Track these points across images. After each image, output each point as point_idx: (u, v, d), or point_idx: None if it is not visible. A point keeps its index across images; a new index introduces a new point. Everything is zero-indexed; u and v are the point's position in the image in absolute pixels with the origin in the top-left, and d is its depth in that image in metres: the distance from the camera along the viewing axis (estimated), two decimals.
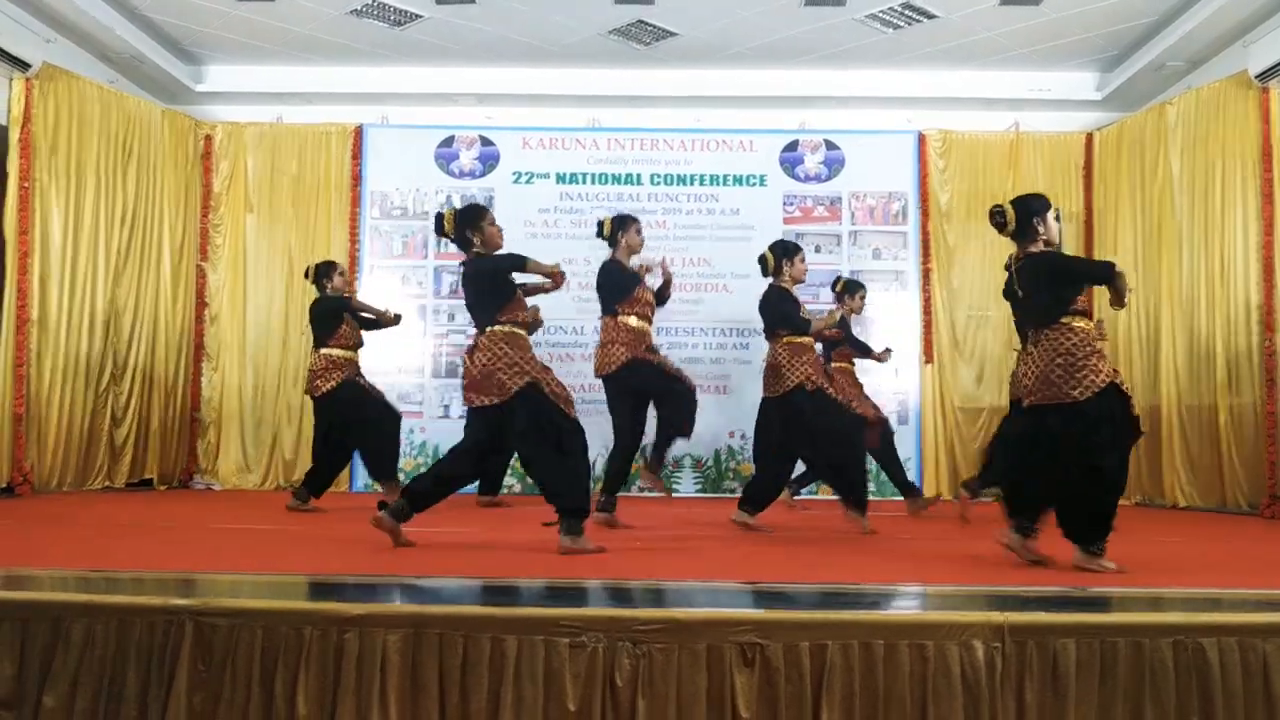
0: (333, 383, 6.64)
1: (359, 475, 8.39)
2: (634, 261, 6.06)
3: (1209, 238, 7.59)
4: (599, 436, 5.98)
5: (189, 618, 2.81)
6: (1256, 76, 7.13)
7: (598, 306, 6.06)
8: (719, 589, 3.63)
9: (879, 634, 2.78)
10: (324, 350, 6.70)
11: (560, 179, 9.08)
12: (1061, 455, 4.11)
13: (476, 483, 7.08)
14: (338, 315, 6.75)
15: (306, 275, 7.09)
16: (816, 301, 8.51)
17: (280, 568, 3.93)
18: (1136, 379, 8.17)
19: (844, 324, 7.02)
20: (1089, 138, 8.97)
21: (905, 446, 8.60)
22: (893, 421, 8.40)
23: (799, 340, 5.74)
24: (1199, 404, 7.64)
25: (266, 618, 2.82)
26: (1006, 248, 8.89)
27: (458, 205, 8.90)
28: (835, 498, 6.21)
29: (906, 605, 3.42)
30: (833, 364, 7.01)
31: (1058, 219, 4.45)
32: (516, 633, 2.77)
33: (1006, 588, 3.62)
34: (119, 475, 8.24)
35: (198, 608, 2.83)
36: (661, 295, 6.18)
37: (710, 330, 8.87)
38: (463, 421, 7.54)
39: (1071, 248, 8.71)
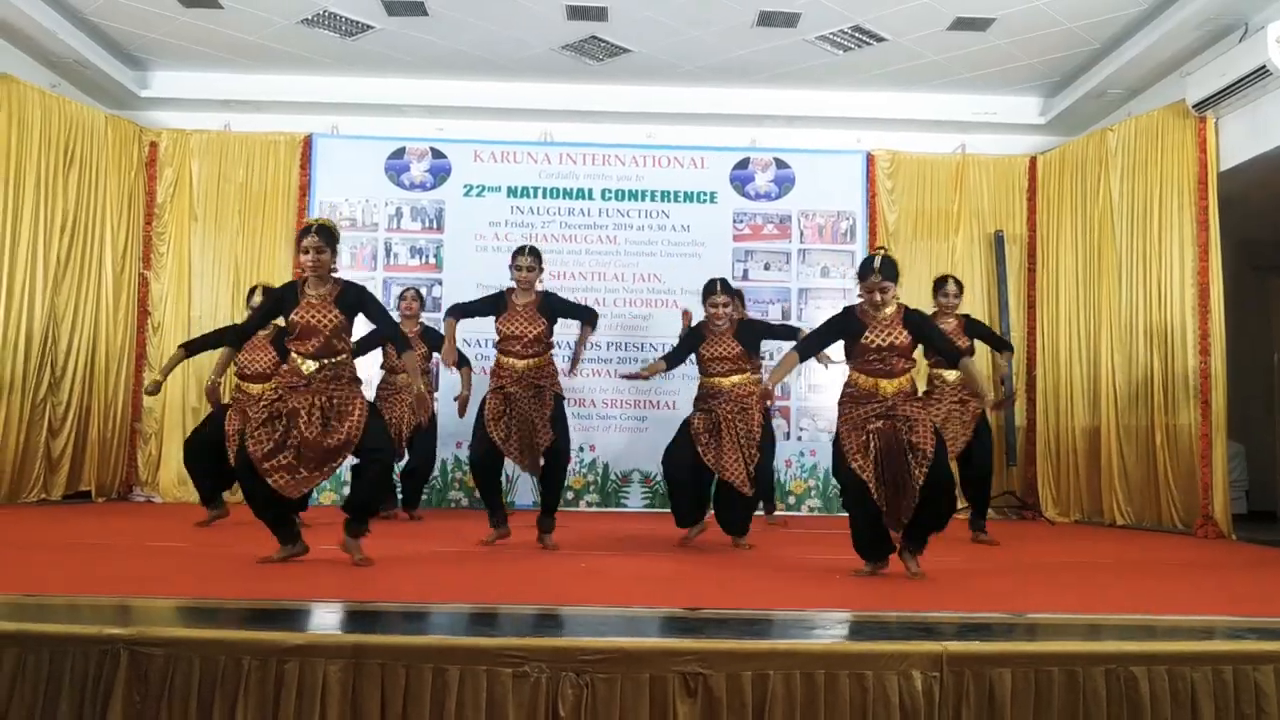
0: None
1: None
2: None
3: (1147, 262, 7.75)
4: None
5: (124, 647, 2.76)
6: (1194, 106, 7.29)
7: None
8: (662, 615, 3.64)
9: (820, 664, 2.81)
10: None
11: (511, 192, 9.06)
12: None
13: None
14: None
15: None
16: (765, 318, 8.62)
17: (220, 592, 3.87)
18: (1077, 400, 8.33)
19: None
20: (1032, 161, 9.12)
21: None
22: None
23: None
24: (1136, 425, 7.80)
25: (203, 647, 2.78)
26: (951, 268, 8.93)
27: (408, 217, 8.96)
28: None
29: (846, 633, 3.45)
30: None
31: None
32: (459, 663, 2.76)
33: (944, 613, 3.67)
34: (55, 488, 8.05)
35: (133, 637, 2.78)
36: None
37: (660, 346, 8.85)
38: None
39: (1015, 269, 8.87)
